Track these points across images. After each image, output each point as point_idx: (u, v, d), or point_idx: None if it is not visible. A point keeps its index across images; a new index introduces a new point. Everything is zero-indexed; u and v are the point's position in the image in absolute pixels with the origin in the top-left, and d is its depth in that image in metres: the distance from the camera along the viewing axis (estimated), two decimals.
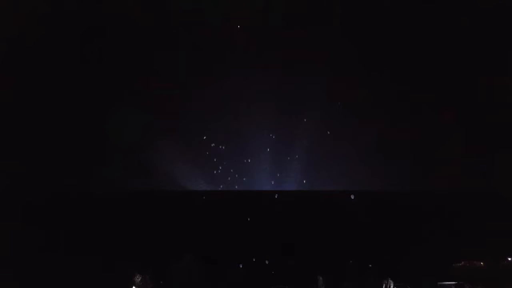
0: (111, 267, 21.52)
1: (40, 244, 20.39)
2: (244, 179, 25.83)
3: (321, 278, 17.63)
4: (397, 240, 22.78)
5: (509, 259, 23.54)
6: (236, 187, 25.68)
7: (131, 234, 23.10)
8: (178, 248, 24.16)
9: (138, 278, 11.99)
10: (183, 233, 24.03)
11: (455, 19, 23.88)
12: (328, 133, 25.34)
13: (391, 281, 12.22)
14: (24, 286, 18.85)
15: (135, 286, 13.99)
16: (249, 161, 26.08)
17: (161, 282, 25.12)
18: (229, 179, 25.79)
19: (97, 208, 22.96)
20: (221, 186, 25.84)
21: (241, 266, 22.43)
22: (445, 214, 23.50)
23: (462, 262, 24.44)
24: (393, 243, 22.59)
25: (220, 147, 25.92)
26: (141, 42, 25.09)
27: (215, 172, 25.93)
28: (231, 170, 25.97)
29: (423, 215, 23.63)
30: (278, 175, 25.90)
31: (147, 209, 24.39)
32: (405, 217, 23.78)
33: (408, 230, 23.17)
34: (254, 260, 23.39)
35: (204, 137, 25.84)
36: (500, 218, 22.06)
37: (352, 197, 22.44)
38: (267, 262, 23.01)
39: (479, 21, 23.47)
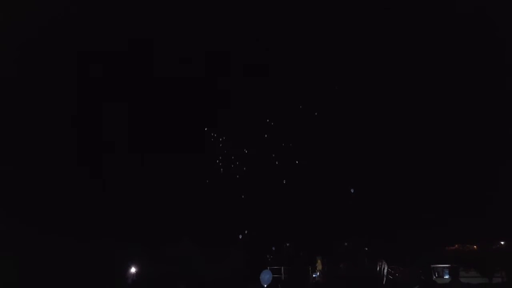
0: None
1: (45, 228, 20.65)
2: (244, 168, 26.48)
3: (320, 259, 17.96)
4: (392, 224, 23.13)
5: (502, 243, 23.96)
6: (238, 176, 26.39)
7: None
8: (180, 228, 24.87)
9: None
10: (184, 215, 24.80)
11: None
12: (322, 119, 25.88)
13: (385, 263, 12.49)
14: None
15: None
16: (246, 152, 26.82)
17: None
18: (232, 166, 26.54)
19: None
20: (221, 170, 26.50)
21: (240, 237, 22.95)
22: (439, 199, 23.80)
23: (456, 246, 24.88)
24: (388, 227, 22.94)
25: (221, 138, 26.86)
26: None
27: (217, 161, 26.71)
28: (232, 157, 26.73)
29: (417, 200, 23.94)
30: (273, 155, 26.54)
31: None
32: (399, 202, 24.08)
33: (402, 215, 23.52)
34: (254, 241, 23.88)
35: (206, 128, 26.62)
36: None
37: (352, 190, 22.75)
38: (266, 245, 23.42)
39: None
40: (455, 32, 24.16)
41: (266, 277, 17.80)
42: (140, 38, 25.74)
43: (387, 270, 12.79)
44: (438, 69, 25.07)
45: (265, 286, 17.00)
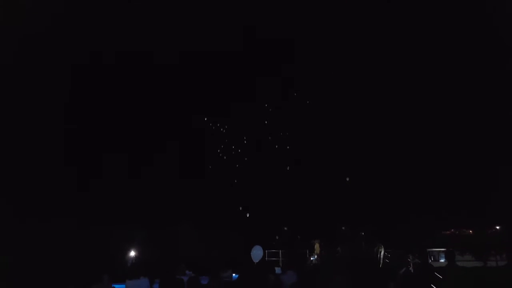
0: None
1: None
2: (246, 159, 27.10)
3: (317, 243, 18.14)
4: (389, 209, 23.35)
5: (497, 227, 24.22)
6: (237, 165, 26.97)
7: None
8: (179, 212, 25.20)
9: None
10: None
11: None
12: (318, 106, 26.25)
13: (382, 246, 12.67)
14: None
15: None
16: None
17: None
18: (233, 153, 27.24)
19: None
20: (224, 157, 27.12)
21: (248, 215, 23.39)
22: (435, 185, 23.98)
23: (452, 230, 25.15)
24: (385, 212, 23.17)
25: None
26: None
27: (218, 150, 27.31)
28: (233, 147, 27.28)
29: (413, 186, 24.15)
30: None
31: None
32: (395, 188, 24.28)
33: (399, 200, 23.74)
34: (252, 226, 24.17)
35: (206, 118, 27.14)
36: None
37: (348, 179, 22.96)
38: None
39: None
40: (457, 31, 24.07)
41: (257, 253, 17.93)
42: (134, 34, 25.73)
43: (384, 253, 12.96)
44: (437, 64, 25.09)
45: (256, 262, 17.15)
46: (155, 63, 27.47)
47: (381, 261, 12.16)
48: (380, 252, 12.15)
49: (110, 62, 25.63)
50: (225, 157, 27.92)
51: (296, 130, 27.36)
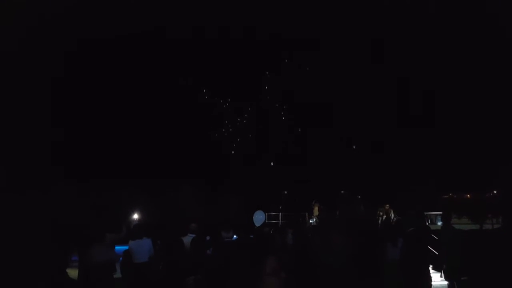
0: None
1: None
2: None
3: (316, 206, 18.33)
4: (387, 173, 23.56)
5: (495, 191, 24.53)
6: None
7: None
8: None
9: None
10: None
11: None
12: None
13: (386, 210, 12.93)
14: None
15: None
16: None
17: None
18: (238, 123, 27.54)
19: None
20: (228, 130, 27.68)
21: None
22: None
23: (450, 194, 25.52)
24: (383, 176, 23.40)
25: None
26: None
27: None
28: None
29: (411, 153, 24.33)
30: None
31: None
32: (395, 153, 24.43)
33: (397, 165, 23.93)
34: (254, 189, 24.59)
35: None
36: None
37: (354, 147, 23.09)
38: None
39: None
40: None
41: (259, 217, 18.31)
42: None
43: (395, 216, 13.20)
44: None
45: (257, 226, 17.55)
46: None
47: (379, 221, 12.40)
48: (390, 213, 12.38)
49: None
50: (230, 126, 28.02)
51: (299, 96, 27.21)
